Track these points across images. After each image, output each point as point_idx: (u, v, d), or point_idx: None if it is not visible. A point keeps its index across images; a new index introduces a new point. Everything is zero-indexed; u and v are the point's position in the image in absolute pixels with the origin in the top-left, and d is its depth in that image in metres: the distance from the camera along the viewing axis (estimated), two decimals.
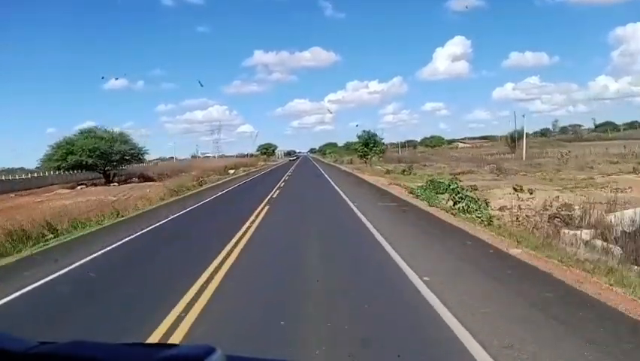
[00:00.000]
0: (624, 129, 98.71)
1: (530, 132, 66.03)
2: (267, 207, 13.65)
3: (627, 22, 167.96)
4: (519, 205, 13.94)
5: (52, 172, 40.16)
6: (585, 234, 9.89)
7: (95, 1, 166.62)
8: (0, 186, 33.31)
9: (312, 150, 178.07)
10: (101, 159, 35.92)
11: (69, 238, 10.44)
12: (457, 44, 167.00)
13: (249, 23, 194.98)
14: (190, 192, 22.97)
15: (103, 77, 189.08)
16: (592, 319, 4.10)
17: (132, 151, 39.03)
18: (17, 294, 5.78)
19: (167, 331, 4.19)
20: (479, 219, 10.38)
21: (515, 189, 17.27)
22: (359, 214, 11.39)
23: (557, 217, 12.21)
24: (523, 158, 41.15)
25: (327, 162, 72.68)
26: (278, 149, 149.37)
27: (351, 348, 3.64)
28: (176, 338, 3.98)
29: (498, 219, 11.19)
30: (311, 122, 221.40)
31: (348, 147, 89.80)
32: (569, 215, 12.36)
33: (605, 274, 5.43)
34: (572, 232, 9.95)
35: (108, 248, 8.72)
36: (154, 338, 3.99)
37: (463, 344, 3.61)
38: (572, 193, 16.38)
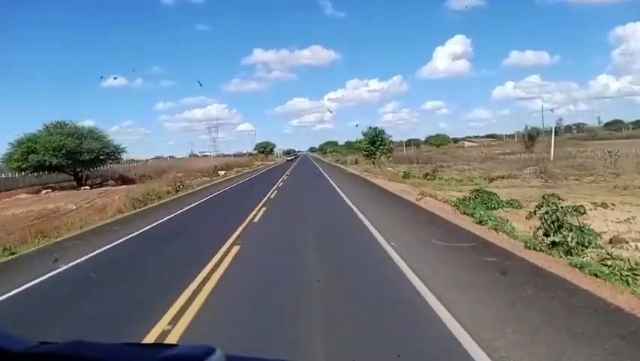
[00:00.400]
0: (633, 128, 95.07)
1: (542, 131, 60.96)
2: (237, 247, 8.85)
3: (627, 22, 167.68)
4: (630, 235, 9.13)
5: (17, 174, 35.45)
6: None
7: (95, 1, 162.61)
8: None
9: (311, 149, 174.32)
10: (68, 158, 30.93)
11: None
12: (458, 43, 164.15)
13: (249, 21, 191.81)
14: (159, 202, 18.18)
15: (102, 77, 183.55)
16: None
17: (106, 150, 34.03)
18: None
19: None
20: (612, 271, 5.59)
21: (596, 204, 12.46)
22: (415, 283, 5.17)
23: None
24: (551, 158, 36.25)
25: (329, 162, 67.36)
26: (277, 148, 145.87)
27: None
28: None
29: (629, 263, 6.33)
30: (310, 120, 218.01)
31: (350, 146, 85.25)
32: None
33: None
34: None
35: None
36: None
37: None
38: None
